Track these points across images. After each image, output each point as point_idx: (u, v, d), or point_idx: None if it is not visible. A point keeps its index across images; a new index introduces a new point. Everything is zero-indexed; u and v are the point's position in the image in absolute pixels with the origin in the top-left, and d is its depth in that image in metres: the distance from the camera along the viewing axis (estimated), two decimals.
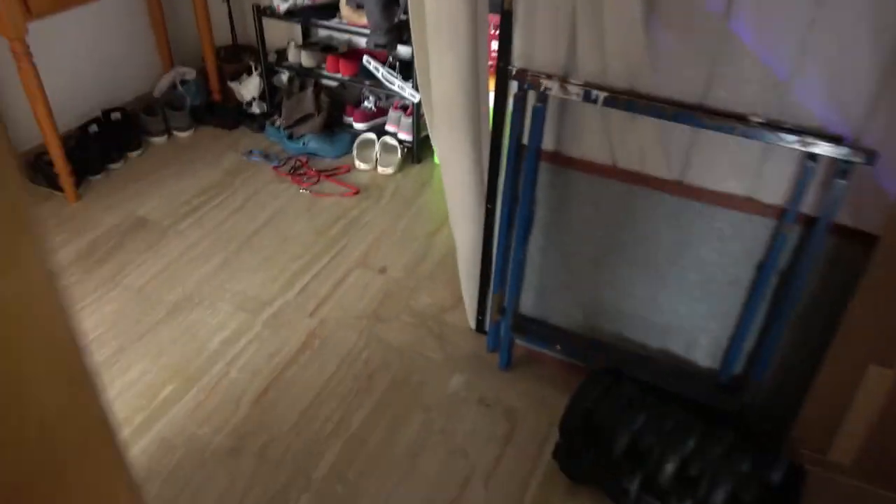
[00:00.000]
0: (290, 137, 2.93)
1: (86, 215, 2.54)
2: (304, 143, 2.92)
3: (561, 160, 1.66)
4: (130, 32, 3.09)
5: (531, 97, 1.58)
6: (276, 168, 2.84)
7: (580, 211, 1.71)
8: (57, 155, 2.49)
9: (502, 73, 1.62)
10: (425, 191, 2.75)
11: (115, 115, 2.89)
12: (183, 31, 3.32)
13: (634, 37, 1.41)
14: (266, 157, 2.91)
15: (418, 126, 2.83)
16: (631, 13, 1.38)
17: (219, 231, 2.48)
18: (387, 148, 2.89)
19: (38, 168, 2.63)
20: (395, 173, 2.83)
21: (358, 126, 2.97)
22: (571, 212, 1.72)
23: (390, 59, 2.81)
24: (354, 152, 2.89)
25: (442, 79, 1.66)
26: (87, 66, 2.91)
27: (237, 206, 2.62)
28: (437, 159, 2.77)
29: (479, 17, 1.58)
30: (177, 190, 2.70)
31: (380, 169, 2.83)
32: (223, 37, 3.30)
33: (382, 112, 2.99)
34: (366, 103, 3.01)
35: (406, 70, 2.78)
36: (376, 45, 2.62)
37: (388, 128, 2.94)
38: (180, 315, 2.11)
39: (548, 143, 1.65)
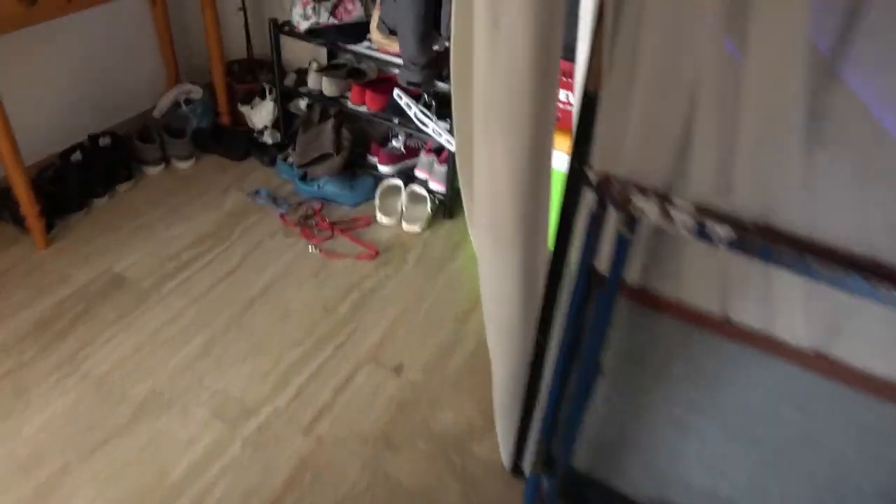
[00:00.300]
0: (304, 178, 2.51)
1: (54, 267, 2.15)
2: (318, 187, 2.49)
3: (647, 299, 1.20)
4: (131, 41, 2.68)
5: (613, 216, 1.12)
6: (283, 216, 2.42)
7: (667, 364, 1.26)
8: (23, 194, 2.10)
9: (575, 175, 1.16)
10: (457, 255, 2.31)
11: (105, 141, 2.49)
12: (192, 41, 2.90)
13: (783, 153, 0.95)
14: (274, 199, 2.49)
15: (453, 176, 2.38)
16: (783, 120, 0.93)
17: (207, 299, 2.07)
18: (414, 199, 2.45)
19: (4, 204, 2.25)
20: (422, 231, 2.39)
21: (382, 168, 2.53)
22: (654, 363, 1.27)
23: (425, 96, 2.36)
24: (377, 201, 2.46)
25: (491, 174, 1.20)
26: (74, 82, 2.51)
27: (233, 265, 2.21)
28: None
29: (548, 86, 1.12)
30: (166, 238, 2.30)
31: (405, 225, 2.39)
32: (238, 49, 2.88)
33: (412, 153, 2.55)
34: (394, 142, 2.56)
35: (443, 108, 2.33)
36: (409, 83, 2.17)
37: (418, 173, 2.49)
38: (144, 421, 1.70)
39: (630, 273, 1.19)
